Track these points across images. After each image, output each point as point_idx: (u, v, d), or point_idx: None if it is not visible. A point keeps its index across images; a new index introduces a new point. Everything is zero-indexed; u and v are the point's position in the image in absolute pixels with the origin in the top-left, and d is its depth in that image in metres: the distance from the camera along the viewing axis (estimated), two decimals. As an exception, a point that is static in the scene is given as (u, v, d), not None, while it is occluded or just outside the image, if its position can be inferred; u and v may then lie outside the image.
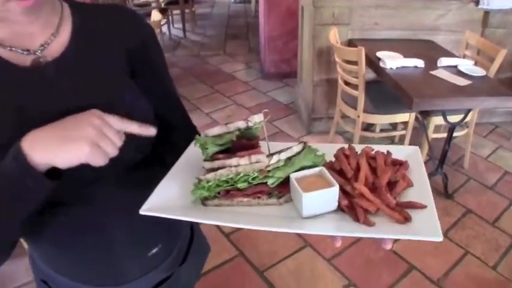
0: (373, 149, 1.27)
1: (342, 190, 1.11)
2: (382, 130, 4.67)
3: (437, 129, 3.95)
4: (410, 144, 4.12)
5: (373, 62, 3.82)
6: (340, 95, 4.27)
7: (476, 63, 3.74)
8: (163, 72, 1.26)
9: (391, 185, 1.17)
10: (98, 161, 0.82)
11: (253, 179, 1.14)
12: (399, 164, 1.27)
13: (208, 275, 2.98)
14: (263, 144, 1.18)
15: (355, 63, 3.65)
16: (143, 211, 0.99)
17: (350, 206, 1.10)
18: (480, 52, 4.06)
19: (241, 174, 1.13)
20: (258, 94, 6.02)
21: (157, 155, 1.20)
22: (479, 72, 3.53)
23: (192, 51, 7.88)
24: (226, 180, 1.15)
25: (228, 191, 1.13)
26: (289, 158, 1.19)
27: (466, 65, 3.62)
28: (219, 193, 1.17)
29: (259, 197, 1.15)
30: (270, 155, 1.17)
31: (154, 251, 1.23)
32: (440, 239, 0.94)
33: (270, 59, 6.31)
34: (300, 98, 5.35)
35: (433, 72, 3.58)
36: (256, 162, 1.12)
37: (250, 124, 1.17)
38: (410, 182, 1.21)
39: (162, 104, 1.20)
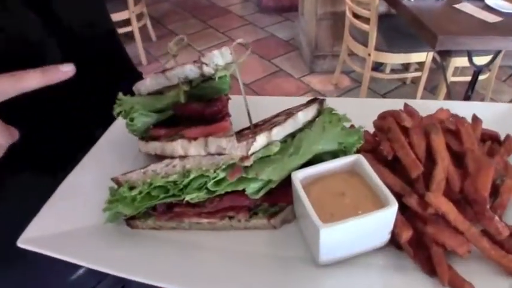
0: (450, 114, 0.64)
1: (399, 204, 0.51)
2: (392, 71, 4.04)
3: (455, 71, 3.37)
4: (425, 88, 3.50)
5: (387, -8, 3.14)
6: (348, 29, 3.65)
7: (503, -3, 3.13)
8: None
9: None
10: None
11: (217, 183, 0.54)
12: (490, 139, 0.66)
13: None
14: (236, 103, 0.57)
15: (366, -7, 3.00)
16: (21, 242, 0.64)
17: (416, 243, 0.51)
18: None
19: (192, 175, 0.53)
20: (255, 29, 5.34)
21: (83, 124, 0.87)
22: (509, 7, 2.94)
23: (184, -17, 6.98)
24: (165, 187, 0.55)
25: (171, 206, 0.52)
26: (291, 136, 0.57)
27: (494, -1, 3.02)
28: (154, 209, 0.57)
29: (231, 217, 0.56)
30: (251, 130, 0.56)
31: (81, 271, 0.89)
32: None
33: (269, -9, 5.50)
34: (302, 34, 4.77)
35: (457, 6, 3.00)
36: (218, 153, 0.52)
37: (207, 70, 0.56)
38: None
39: (84, 36, 0.88)
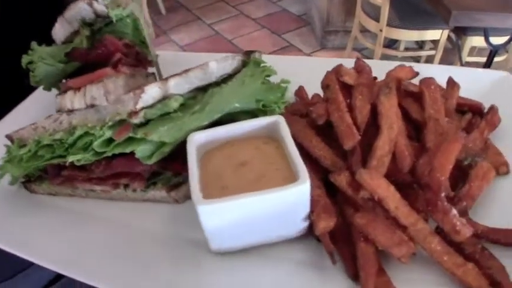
0: (414, 72, 0.50)
1: (323, 183, 0.38)
2: (406, 49, 3.81)
3: (471, 52, 3.15)
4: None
5: (401, -35, 2.95)
6: (361, 4, 3.45)
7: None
8: None
9: (456, 173, 0.43)
10: None
11: (104, 143, 0.43)
12: (471, 111, 0.52)
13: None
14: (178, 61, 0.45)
15: (379, -34, 2.83)
16: None
17: (344, 236, 0.38)
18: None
19: (78, 133, 0.42)
20: (267, 3, 5.12)
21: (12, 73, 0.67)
22: (529, -17, 2.67)
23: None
24: (52, 146, 0.44)
25: (59, 168, 0.52)
26: (203, 92, 0.44)
27: (515, -27, 2.75)
28: (45, 171, 0.47)
29: (126, 185, 0.45)
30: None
31: None
32: None
33: (282, -37, 5.28)
34: (314, 8, 4.55)
35: (475, -19, 2.78)
36: (91, 105, 0.41)
37: (98, 7, 0.45)
38: (506, 166, 0.47)
39: None
